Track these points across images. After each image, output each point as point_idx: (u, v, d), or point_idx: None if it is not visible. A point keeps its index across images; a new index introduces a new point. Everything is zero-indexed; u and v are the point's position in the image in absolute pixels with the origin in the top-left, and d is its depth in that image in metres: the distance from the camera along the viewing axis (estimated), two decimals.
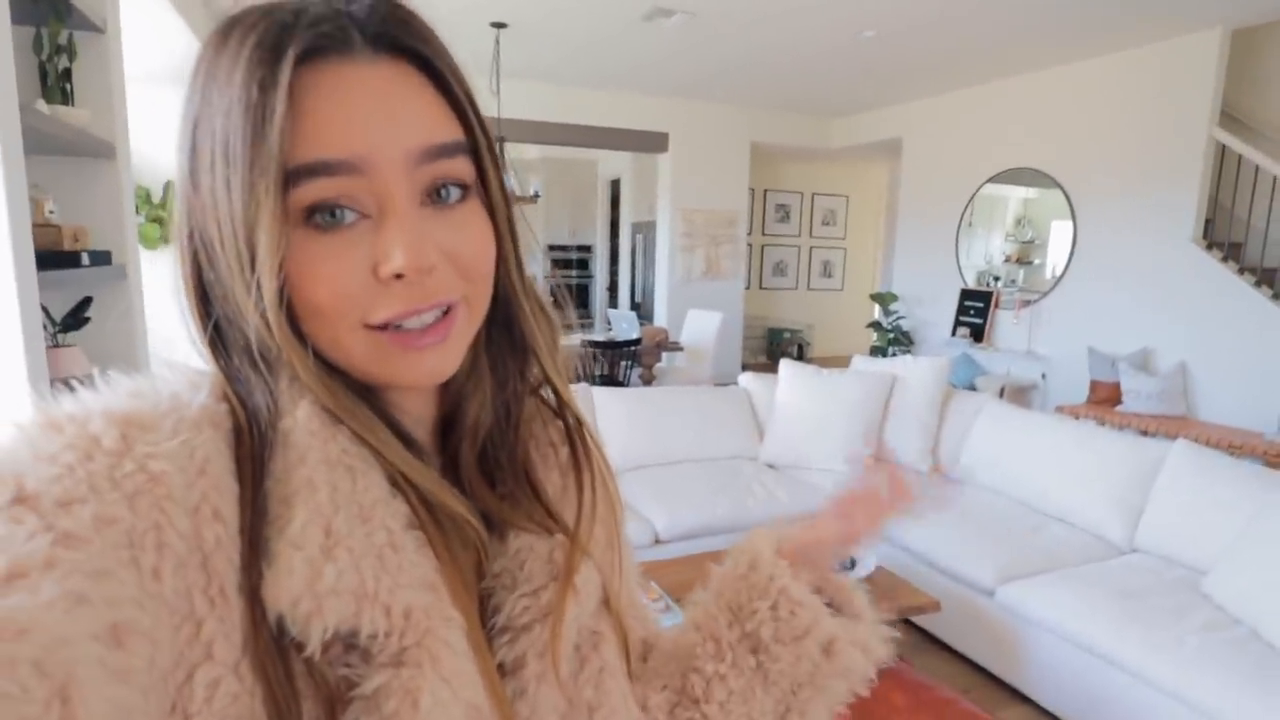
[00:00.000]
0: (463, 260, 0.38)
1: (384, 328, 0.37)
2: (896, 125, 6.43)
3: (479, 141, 0.39)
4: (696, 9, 4.11)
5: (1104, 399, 4.41)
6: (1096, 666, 2.08)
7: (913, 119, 6.26)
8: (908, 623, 2.69)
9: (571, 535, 0.44)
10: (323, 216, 0.35)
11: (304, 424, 0.35)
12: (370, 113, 0.35)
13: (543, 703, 0.40)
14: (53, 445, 0.30)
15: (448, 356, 0.39)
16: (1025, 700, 2.29)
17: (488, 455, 0.45)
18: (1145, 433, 3.81)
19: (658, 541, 2.74)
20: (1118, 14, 3.98)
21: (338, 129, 0.35)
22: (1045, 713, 2.23)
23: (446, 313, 0.38)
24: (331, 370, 0.38)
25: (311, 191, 0.35)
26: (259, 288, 0.34)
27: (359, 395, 0.38)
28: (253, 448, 0.35)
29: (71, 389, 0.34)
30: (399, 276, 0.36)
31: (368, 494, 0.35)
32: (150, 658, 0.29)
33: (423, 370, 0.38)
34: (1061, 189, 4.99)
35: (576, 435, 0.47)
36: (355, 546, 0.33)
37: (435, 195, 0.38)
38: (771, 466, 3.33)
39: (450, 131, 0.38)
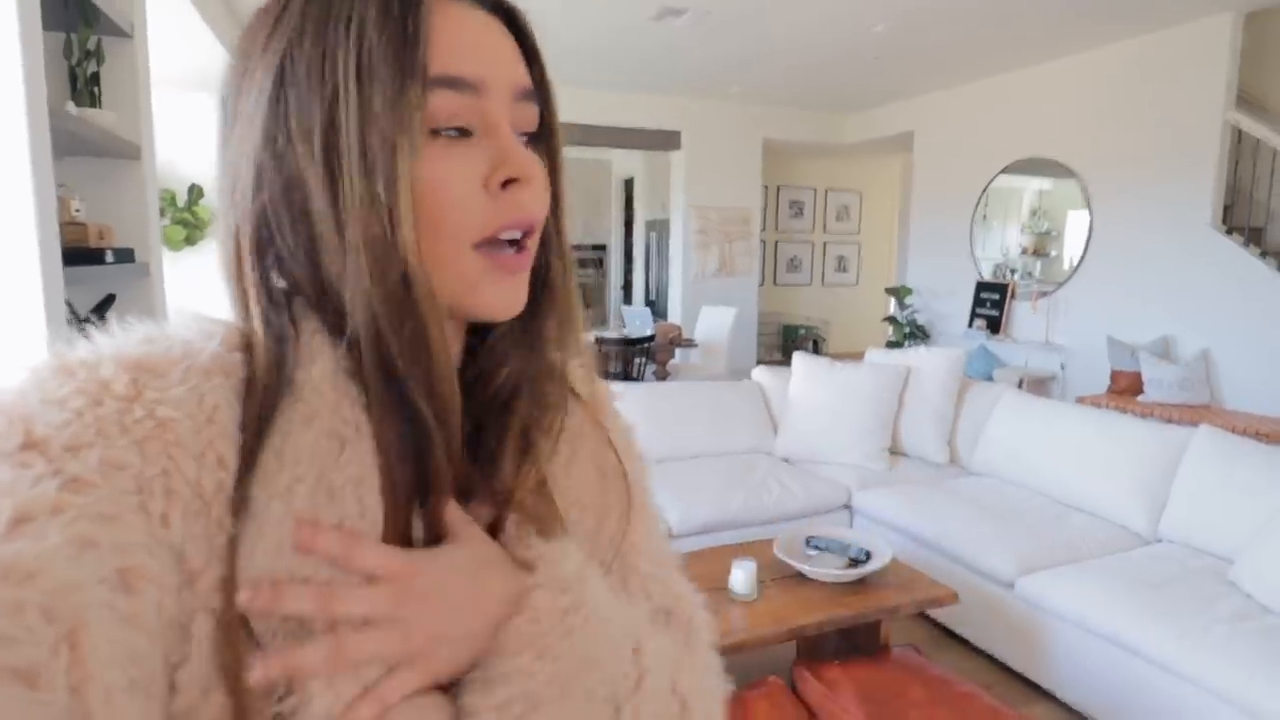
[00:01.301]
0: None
1: (485, 245, 0.39)
2: (908, 119, 6.39)
3: (549, 96, 0.43)
4: (706, 7, 4.11)
5: (1125, 389, 4.35)
6: (1121, 659, 2.06)
7: (924, 112, 6.22)
8: (924, 616, 2.67)
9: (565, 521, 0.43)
10: (450, 130, 0.38)
11: (317, 381, 0.35)
12: (490, 45, 0.39)
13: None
14: (63, 390, 0.30)
15: (522, 288, 0.41)
16: (1047, 696, 2.26)
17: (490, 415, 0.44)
18: (1169, 421, 3.75)
19: (672, 535, 2.74)
20: (1128, 1, 3.93)
21: (469, 51, 0.38)
22: (1068, 708, 2.20)
23: (524, 244, 0.41)
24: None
25: (443, 104, 0.37)
26: (393, 196, 0.35)
27: None
28: (262, 398, 0.35)
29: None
30: (508, 183, 0.38)
31: (344, 470, 0.34)
32: (158, 602, 0.29)
33: (507, 299, 0.40)
34: (1076, 178, 4.93)
35: (581, 410, 0.47)
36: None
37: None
38: (786, 460, 3.33)
39: (530, 81, 0.42)
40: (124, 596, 0.27)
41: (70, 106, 1.47)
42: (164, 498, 0.30)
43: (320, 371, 0.35)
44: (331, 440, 0.34)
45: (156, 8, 1.97)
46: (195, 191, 4.48)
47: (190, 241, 4.42)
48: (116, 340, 0.34)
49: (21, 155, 1.22)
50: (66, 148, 1.47)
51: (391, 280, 0.35)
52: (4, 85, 1.15)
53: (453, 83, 0.37)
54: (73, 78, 1.51)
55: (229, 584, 0.31)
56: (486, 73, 0.38)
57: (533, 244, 0.41)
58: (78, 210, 1.54)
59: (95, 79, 1.55)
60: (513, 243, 0.40)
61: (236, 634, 0.31)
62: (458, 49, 0.37)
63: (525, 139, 0.42)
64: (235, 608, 0.31)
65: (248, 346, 0.36)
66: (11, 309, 1.27)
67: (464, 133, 0.38)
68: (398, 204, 0.35)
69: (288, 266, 0.38)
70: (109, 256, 1.60)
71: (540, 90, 0.42)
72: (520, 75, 0.41)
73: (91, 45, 1.52)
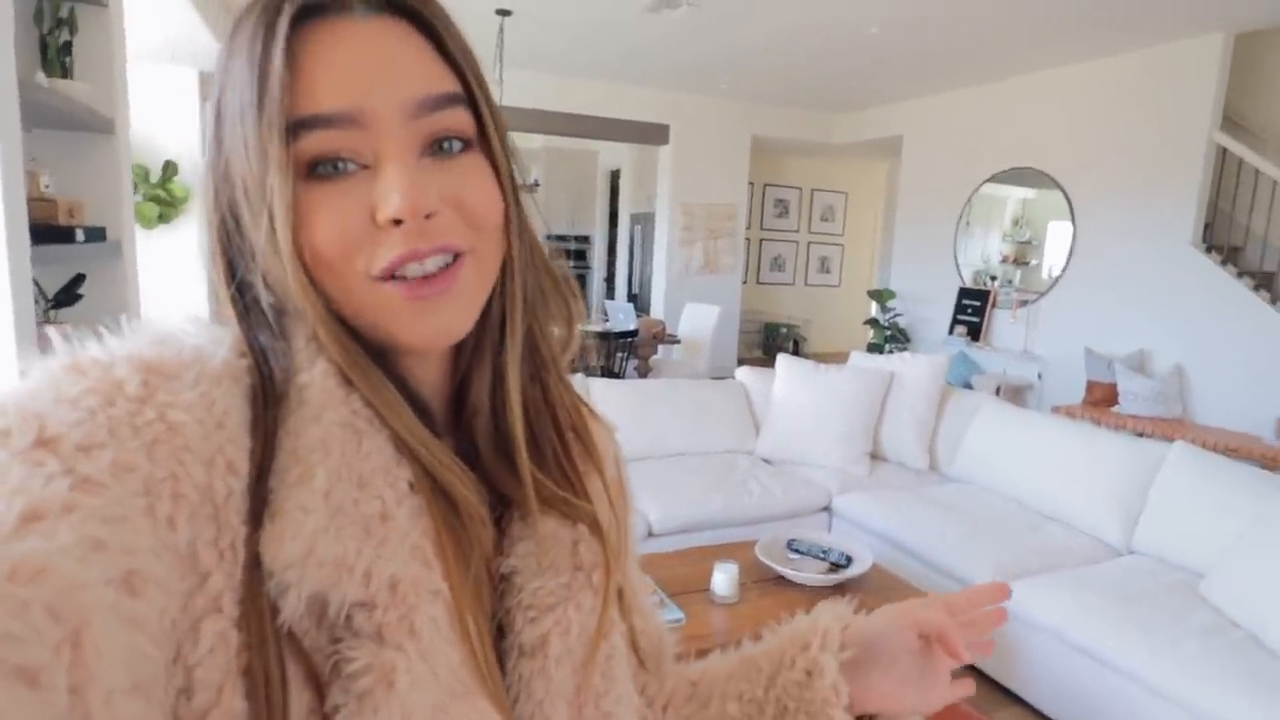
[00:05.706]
0: (467, 206, 0.38)
1: (390, 279, 0.37)
2: (897, 123, 6.42)
3: (477, 96, 0.39)
4: (702, 0, 4.08)
5: (1100, 400, 4.42)
6: (1092, 668, 2.09)
7: (914, 117, 6.25)
8: None
9: (598, 528, 0.44)
10: (324, 168, 0.36)
11: (319, 381, 0.35)
12: (366, 66, 0.36)
13: (558, 684, 0.40)
14: (76, 389, 0.30)
15: (458, 312, 0.39)
16: (1019, 701, 2.29)
17: (499, 432, 0.44)
18: (1141, 434, 3.82)
19: (651, 534, 2.73)
20: (1121, 16, 3.98)
21: (334, 83, 0.36)
22: (1039, 714, 2.23)
23: (454, 262, 0.38)
24: (347, 330, 0.38)
25: (313, 144, 0.35)
26: (274, 237, 0.35)
27: (374, 359, 0.38)
28: (268, 405, 0.35)
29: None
30: (397, 223, 0.36)
31: (369, 460, 0.35)
32: (162, 606, 0.29)
33: (435, 326, 0.38)
34: (1061, 189, 4.99)
35: (576, 421, 0.47)
36: (346, 515, 0.33)
37: (437, 148, 0.38)
38: (767, 461, 3.33)
39: (447, 84, 0.38)
40: (129, 599, 0.27)
41: (40, 77, 1.40)
42: (171, 501, 0.30)
43: (321, 371, 0.36)
44: (346, 430, 0.35)
45: None
46: (170, 168, 4.33)
47: (164, 219, 4.28)
48: (128, 341, 0.34)
49: None
50: (36, 119, 1.40)
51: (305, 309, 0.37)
52: None
53: (320, 122, 0.35)
54: (43, 47, 1.43)
55: (249, 587, 0.31)
56: (364, 100, 0.35)
57: (472, 262, 0.39)
58: (47, 186, 1.48)
59: (67, 49, 1.47)
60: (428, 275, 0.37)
61: (260, 638, 0.31)
62: (327, 82, 0.35)
63: (458, 147, 0.38)
64: (258, 611, 0.31)
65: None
66: None
67: (349, 167, 0.36)
68: (279, 236, 0.35)
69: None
70: (79, 235, 1.54)
71: (467, 93, 0.39)
72: (420, 87, 0.37)
73: (64, 14, 1.44)
